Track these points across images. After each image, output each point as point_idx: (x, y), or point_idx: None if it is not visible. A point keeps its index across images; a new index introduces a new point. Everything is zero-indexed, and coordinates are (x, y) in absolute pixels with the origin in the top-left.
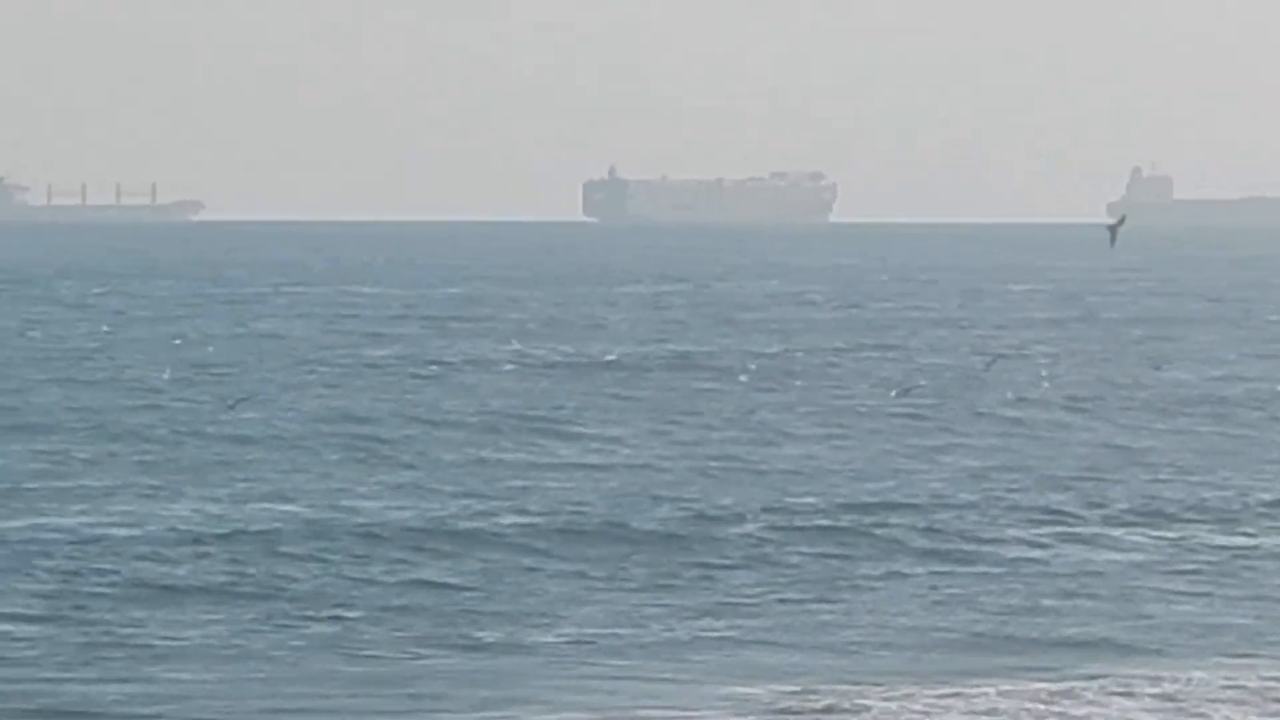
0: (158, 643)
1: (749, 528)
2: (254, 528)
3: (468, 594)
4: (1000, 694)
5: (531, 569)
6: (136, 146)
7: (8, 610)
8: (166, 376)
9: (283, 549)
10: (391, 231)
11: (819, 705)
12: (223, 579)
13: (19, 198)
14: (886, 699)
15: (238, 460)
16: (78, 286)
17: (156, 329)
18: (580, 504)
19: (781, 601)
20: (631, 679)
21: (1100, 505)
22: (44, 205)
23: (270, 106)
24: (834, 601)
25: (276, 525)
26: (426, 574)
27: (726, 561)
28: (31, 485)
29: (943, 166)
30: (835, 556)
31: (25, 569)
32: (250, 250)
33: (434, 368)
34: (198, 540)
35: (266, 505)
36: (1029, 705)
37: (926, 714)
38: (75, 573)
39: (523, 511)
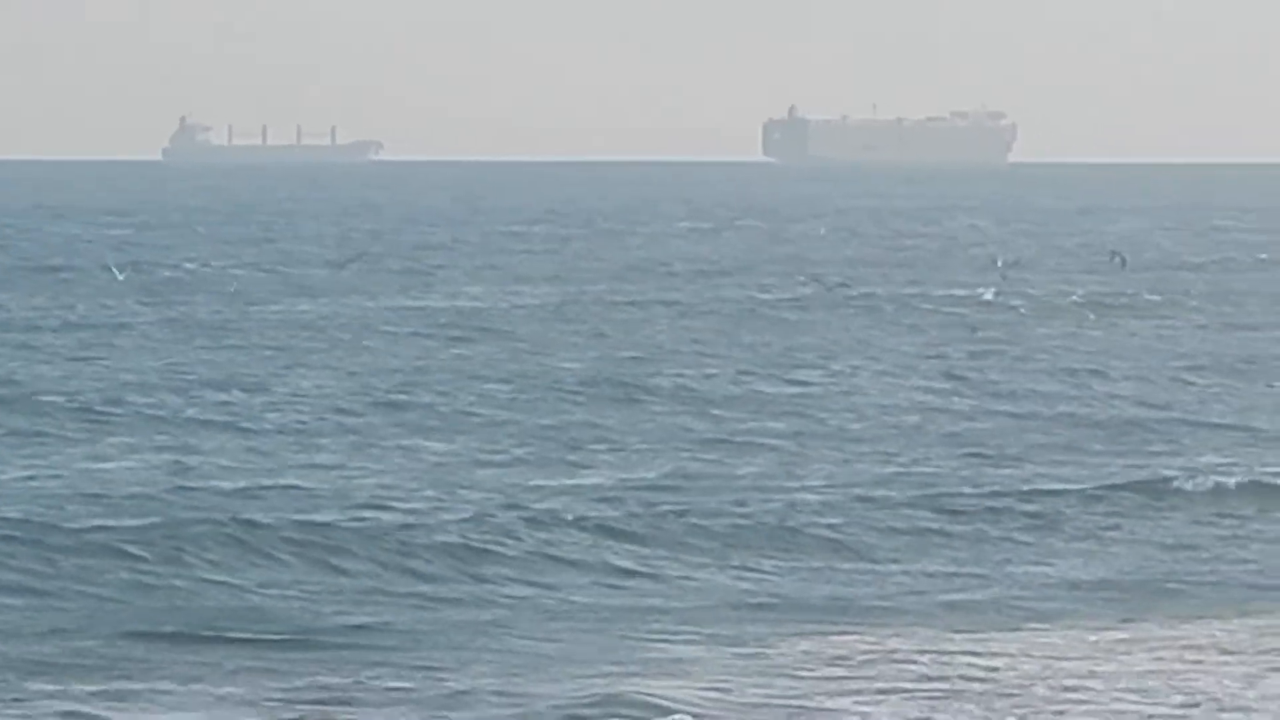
0: None
1: None
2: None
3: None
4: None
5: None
6: (317, 90)
7: None
8: None
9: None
10: (554, 172)
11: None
12: None
13: (201, 137)
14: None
15: None
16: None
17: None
18: None
19: None
20: None
21: None
22: (225, 145)
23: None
24: None
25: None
26: None
27: None
28: None
29: (1126, 106)
30: None
31: None
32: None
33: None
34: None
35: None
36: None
37: None
38: None
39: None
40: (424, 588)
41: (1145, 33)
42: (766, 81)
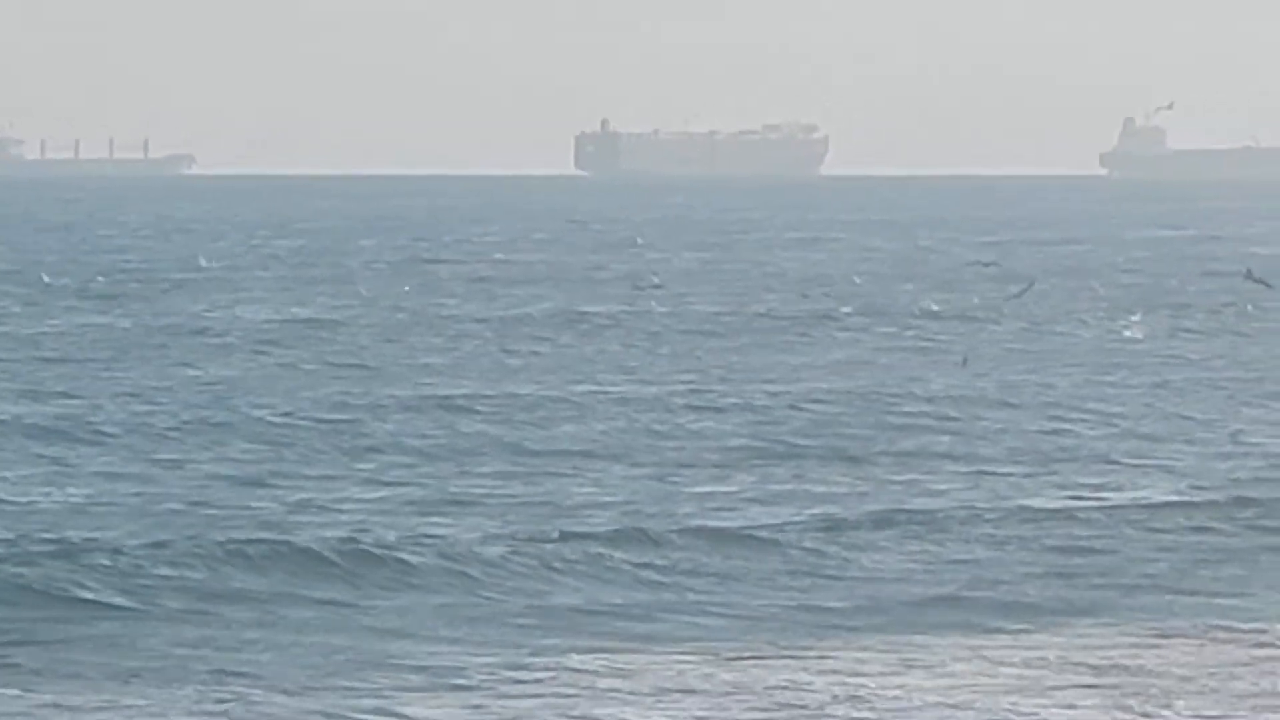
0: None
1: None
2: None
3: None
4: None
5: None
6: (130, 101)
7: None
8: None
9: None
10: (386, 187)
11: None
12: None
13: (13, 151)
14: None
15: None
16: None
17: None
18: None
19: None
20: None
21: None
22: (39, 159)
23: (263, 59)
24: None
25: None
26: None
27: None
28: None
29: (932, 119)
30: None
31: None
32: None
33: None
34: None
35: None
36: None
37: None
38: None
39: None
40: None
41: (959, 47)
42: (579, 94)
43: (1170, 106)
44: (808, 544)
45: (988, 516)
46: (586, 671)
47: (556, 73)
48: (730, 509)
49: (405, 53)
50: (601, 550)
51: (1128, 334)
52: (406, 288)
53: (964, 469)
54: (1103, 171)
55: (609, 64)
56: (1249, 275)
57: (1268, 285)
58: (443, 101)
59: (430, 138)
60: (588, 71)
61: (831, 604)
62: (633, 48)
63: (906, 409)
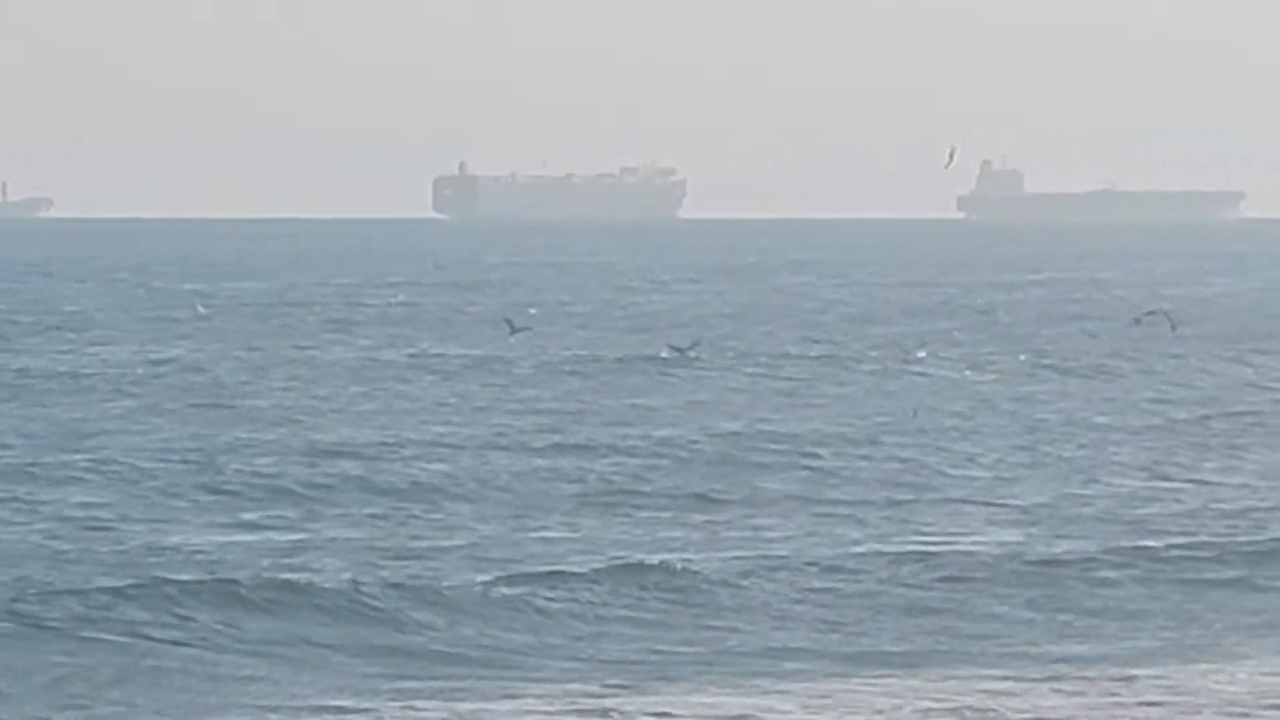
0: None
1: None
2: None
3: None
4: None
5: None
6: None
7: None
8: None
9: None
10: (245, 229)
11: None
12: None
13: None
14: None
15: None
16: None
17: None
18: None
19: None
20: None
21: None
22: None
23: (119, 100)
24: None
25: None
26: None
27: None
28: None
29: (794, 163)
30: None
31: None
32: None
33: None
34: None
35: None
36: None
37: None
38: None
39: None
40: None
41: (822, 90)
42: (437, 137)
43: (952, 155)
44: (655, 589)
45: (841, 561)
46: (425, 714)
47: (415, 116)
48: (581, 553)
49: (266, 95)
50: (450, 591)
51: (985, 376)
52: (266, 329)
53: (817, 512)
54: (960, 215)
55: (467, 106)
56: (1138, 320)
57: (1173, 326)
58: (303, 144)
59: (290, 181)
60: (446, 114)
61: (679, 649)
62: (491, 90)
63: (762, 451)
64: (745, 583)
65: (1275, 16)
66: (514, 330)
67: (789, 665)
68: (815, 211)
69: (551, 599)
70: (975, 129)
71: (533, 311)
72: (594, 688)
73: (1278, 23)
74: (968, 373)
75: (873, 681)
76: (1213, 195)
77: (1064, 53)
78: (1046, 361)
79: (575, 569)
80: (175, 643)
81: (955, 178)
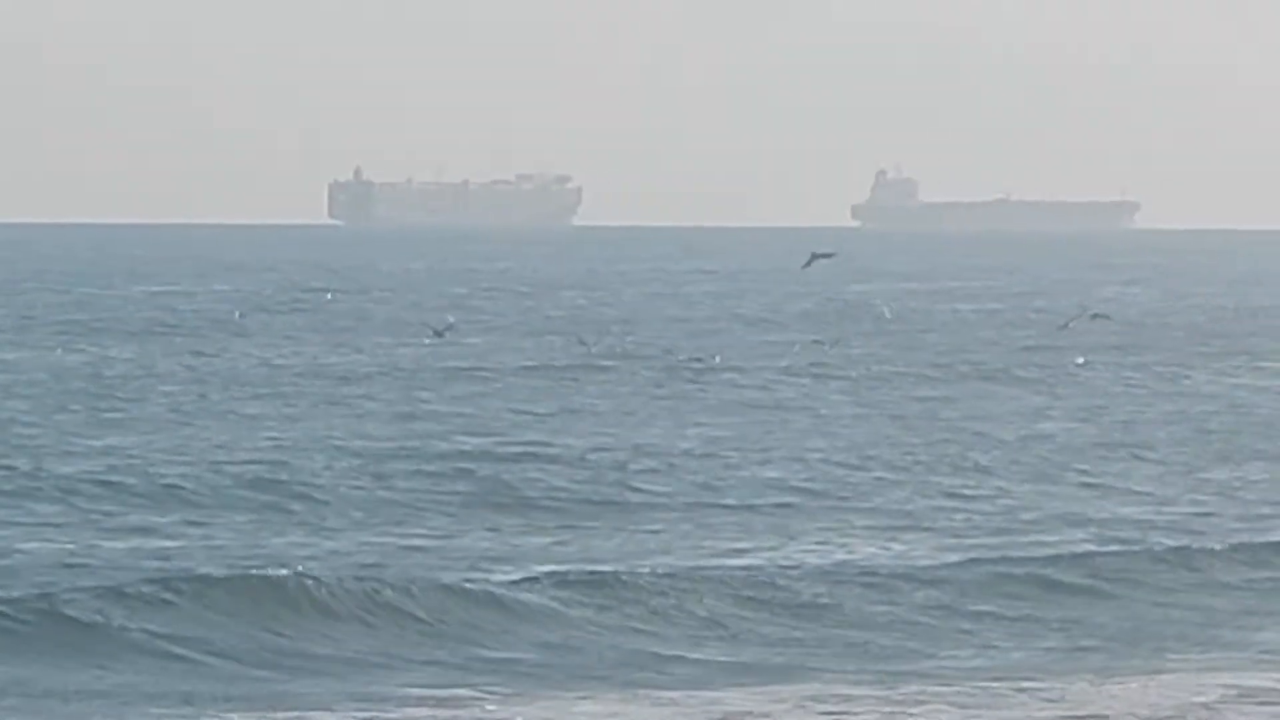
0: None
1: None
2: None
3: None
4: None
5: None
6: None
7: None
8: None
9: None
10: (132, 234)
11: None
12: None
13: None
14: None
15: None
16: None
17: None
18: None
19: None
20: None
21: None
22: None
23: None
24: None
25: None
26: None
27: None
28: None
29: (684, 171)
30: None
31: None
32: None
33: None
34: None
35: None
36: None
37: None
38: None
39: None
40: None
41: (712, 99)
42: (333, 142)
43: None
44: (553, 600)
45: (718, 573)
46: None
47: (311, 122)
48: (451, 563)
49: (160, 97)
50: (329, 601)
51: (886, 387)
52: (159, 338)
53: (696, 524)
54: (855, 224)
55: (363, 113)
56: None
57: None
58: (201, 149)
59: (186, 185)
60: (342, 121)
61: (565, 660)
62: (387, 97)
63: (643, 461)
64: (612, 597)
65: (1175, 34)
66: (438, 333)
67: (660, 677)
68: (706, 220)
69: (414, 607)
70: (870, 137)
71: (413, 329)
72: (472, 692)
73: (1177, 39)
74: (865, 381)
75: (753, 690)
76: (1108, 206)
77: (959, 60)
78: (955, 373)
79: (438, 577)
80: None
81: (851, 187)
